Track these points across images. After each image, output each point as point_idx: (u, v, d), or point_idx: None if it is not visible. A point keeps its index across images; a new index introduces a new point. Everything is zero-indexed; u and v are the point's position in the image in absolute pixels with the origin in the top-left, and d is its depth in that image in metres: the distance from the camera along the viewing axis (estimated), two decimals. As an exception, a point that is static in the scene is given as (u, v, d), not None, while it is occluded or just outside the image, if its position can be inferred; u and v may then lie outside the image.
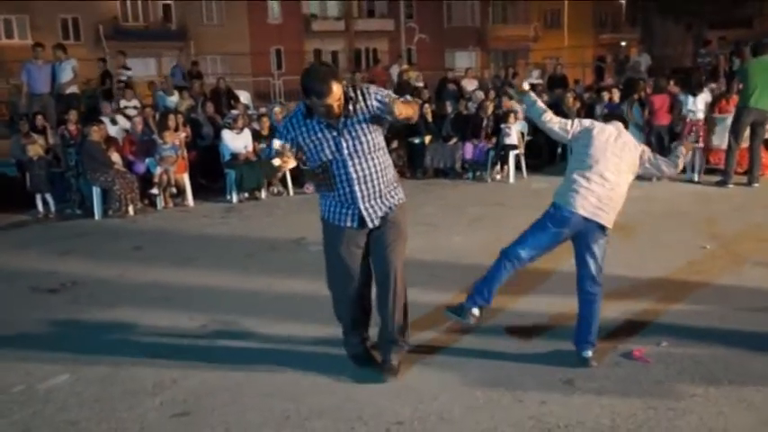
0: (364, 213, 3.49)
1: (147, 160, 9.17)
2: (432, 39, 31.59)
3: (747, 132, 8.43)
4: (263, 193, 9.42)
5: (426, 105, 11.06)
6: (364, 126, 3.42)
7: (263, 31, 33.73)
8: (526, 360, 3.73)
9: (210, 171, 10.13)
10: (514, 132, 9.90)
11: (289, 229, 7.37)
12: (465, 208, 8.14)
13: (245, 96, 13.67)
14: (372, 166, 3.46)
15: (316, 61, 3.45)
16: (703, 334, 3.99)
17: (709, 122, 9.23)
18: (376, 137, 3.47)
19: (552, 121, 3.74)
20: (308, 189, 9.62)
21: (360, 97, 3.41)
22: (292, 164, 3.36)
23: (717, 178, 8.91)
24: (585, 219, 3.51)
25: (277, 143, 3.36)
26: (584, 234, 3.56)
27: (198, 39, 32.09)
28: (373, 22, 36.17)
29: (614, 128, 3.71)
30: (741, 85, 8.57)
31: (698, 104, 9.23)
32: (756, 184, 8.31)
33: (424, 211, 8.05)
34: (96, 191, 8.60)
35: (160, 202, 9.03)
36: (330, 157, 3.42)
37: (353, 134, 3.41)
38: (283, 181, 9.60)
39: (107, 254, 6.79)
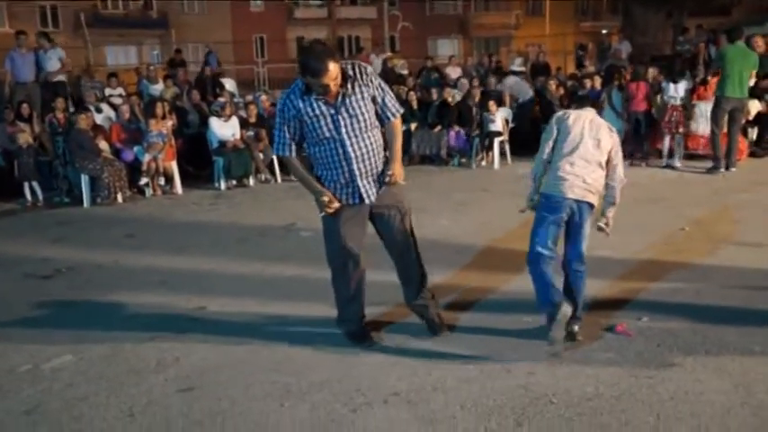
0: (362, 190, 3.58)
1: (135, 148, 9.23)
2: (414, 26, 31.65)
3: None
4: (251, 181, 9.52)
5: (411, 93, 11.19)
6: (362, 104, 3.49)
7: (245, 18, 33.56)
8: (514, 335, 3.90)
9: (197, 159, 10.19)
10: (499, 119, 10.07)
11: (278, 216, 7.50)
12: (451, 193, 8.31)
13: (230, 84, 13.69)
14: (369, 144, 3.54)
15: (314, 41, 3.47)
16: (681, 309, 4.19)
17: (689, 109, 9.46)
18: (372, 115, 3.55)
19: (542, 160, 3.86)
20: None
21: (358, 75, 3.47)
22: (336, 205, 3.54)
23: (695, 163, 9.16)
24: (576, 201, 3.70)
25: (326, 199, 3.52)
26: (576, 215, 3.72)
27: (179, 27, 31.85)
28: (356, 10, 36.09)
29: (588, 113, 3.89)
30: (718, 72, 8.78)
31: (678, 91, 9.44)
32: (733, 169, 8.55)
33: (410, 196, 8.03)
34: (85, 179, 8.65)
35: (149, 190, 9.10)
36: (328, 134, 3.49)
37: (351, 112, 3.48)
38: (271, 168, 9.71)
39: (99, 241, 6.87)
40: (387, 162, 3.65)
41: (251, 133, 9.75)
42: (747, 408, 3.00)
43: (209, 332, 4.18)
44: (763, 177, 8.24)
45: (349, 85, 3.45)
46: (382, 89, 3.56)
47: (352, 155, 3.51)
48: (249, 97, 11.80)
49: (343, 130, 3.48)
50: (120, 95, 11.71)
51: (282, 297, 4.79)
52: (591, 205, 3.75)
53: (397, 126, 3.69)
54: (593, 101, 4.13)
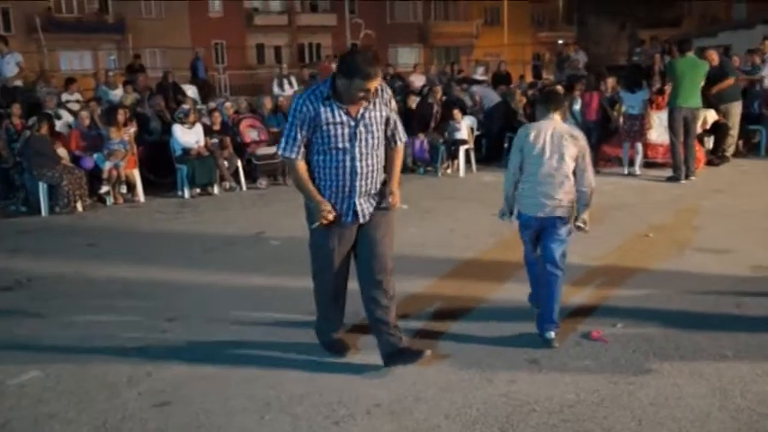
0: (358, 208, 3.48)
1: (95, 155, 9.01)
2: (375, 34, 31.71)
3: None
4: (216, 189, 9.37)
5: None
6: (379, 122, 3.42)
7: (203, 24, 33.25)
8: (493, 343, 3.91)
9: (159, 166, 10.00)
10: (464, 127, 10.14)
11: (246, 224, 7.40)
12: (418, 202, 8.30)
13: (192, 91, 13.51)
14: (375, 163, 3.46)
15: (359, 46, 3.33)
16: (653, 315, 4.26)
17: (646, 118, 9.67)
18: (383, 135, 3.47)
19: (511, 181, 3.99)
20: (261, 184, 9.64)
21: (380, 93, 3.40)
22: (332, 217, 3.43)
23: (655, 171, 9.37)
24: (545, 218, 3.87)
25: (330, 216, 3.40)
26: (547, 228, 3.89)
27: (136, 32, 31.40)
28: (316, 17, 36.12)
29: (549, 123, 3.91)
30: (671, 83, 9.00)
31: (637, 101, 9.65)
32: (693, 177, 8.76)
33: (378, 204, 8.19)
34: (43, 187, 8.40)
35: (109, 199, 8.89)
36: (341, 145, 3.37)
37: (369, 128, 3.40)
38: (236, 176, 9.59)
39: (60, 250, 6.67)
40: (384, 184, 3.56)
41: (215, 140, 9.61)
42: (726, 411, 3.06)
43: (180, 345, 4.09)
44: (720, 185, 8.46)
45: (371, 101, 3.37)
46: (396, 113, 3.51)
47: (359, 170, 3.41)
48: (212, 104, 11.64)
49: (357, 143, 3.38)
50: (77, 101, 11.43)
51: (255, 307, 4.72)
52: (561, 218, 3.86)
53: (401, 152, 3.64)
54: (557, 104, 4.07)
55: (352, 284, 3.75)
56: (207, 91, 15.17)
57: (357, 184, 3.43)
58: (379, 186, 3.53)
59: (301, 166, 3.47)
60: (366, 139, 3.39)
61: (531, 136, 3.87)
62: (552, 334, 3.83)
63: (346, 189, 3.45)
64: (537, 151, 3.85)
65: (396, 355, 3.56)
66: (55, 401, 3.40)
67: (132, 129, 9.52)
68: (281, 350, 3.92)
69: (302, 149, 3.43)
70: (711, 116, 9.78)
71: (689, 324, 4.08)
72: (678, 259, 5.45)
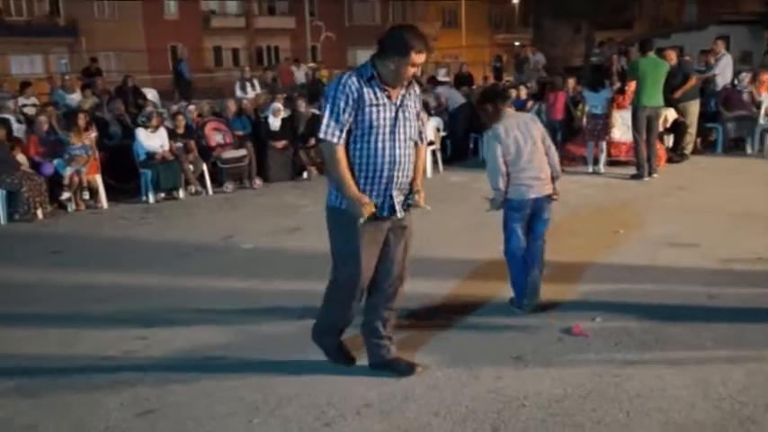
0: (395, 200, 3.29)
1: (56, 161, 8.78)
2: (335, 36, 31.70)
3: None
4: (182, 193, 9.23)
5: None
6: (413, 113, 3.31)
7: (159, 27, 32.66)
8: (477, 341, 3.94)
9: (120, 172, 9.80)
10: (430, 128, 10.18)
11: (215, 229, 7.30)
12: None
13: (152, 94, 13.30)
14: (410, 154, 3.30)
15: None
16: (631, 309, 4.33)
17: (609, 117, 9.85)
18: (416, 125, 3.35)
19: (501, 174, 4.20)
20: (227, 188, 9.52)
21: (414, 86, 3.33)
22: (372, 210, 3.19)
23: (618, 169, 9.55)
24: (537, 198, 4.23)
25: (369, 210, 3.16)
26: (537, 210, 4.29)
27: (89, 34, 30.71)
28: (274, 20, 35.88)
29: (511, 117, 4.29)
30: (633, 83, 9.19)
31: (599, 101, 9.82)
32: (655, 175, 8.96)
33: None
34: (1, 194, 8.15)
35: (71, 205, 8.67)
36: (383, 129, 3.19)
37: (407, 115, 3.26)
38: (201, 180, 9.46)
39: (23, 259, 6.50)
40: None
41: (180, 144, 9.46)
42: (709, 401, 3.13)
43: (162, 351, 4.01)
44: (682, 182, 8.67)
45: (407, 90, 3.28)
46: (423, 111, 3.45)
47: (398, 159, 3.23)
48: (175, 107, 11.46)
49: (398, 128, 3.22)
50: (33, 105, 11.14)
51: (235, 311, 4.65)
52: (548, 197, 4.27)
53: (423, 151, 3.48)
54: (505, 99, 4.49)
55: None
56: (189, 93, 14.97)
57: (395, 174, 3.24)
58: (409, 182, 3.36)
59: (343, 152, 3.19)
60: (405, 126, 3.24)
61: (502, 134, 4.18)
62: (527, 302, 4.32)
63: (384, 180, 3.23)
64: (513, 143, 4.19)
65: (383, 366, 3.54)
66: (33, 412, 3.30)
67: (93, 133, 9.31)
68: (266, 353, 3.88)
69: (344, 135, 3.18)
70: (671, 115, 10.01)
71: (666, 316, 4.17)
72: (650, 254, 5.56)
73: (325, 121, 3.17)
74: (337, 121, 3.14)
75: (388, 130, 3.19)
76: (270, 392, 3.39)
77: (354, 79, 3.16)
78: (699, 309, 4.29)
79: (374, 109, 3.16)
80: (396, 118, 3.22)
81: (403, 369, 3.49)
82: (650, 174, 8.91)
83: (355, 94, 3.14)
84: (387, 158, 3.22)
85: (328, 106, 3.18)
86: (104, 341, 4.18)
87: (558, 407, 3.15)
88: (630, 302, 4.45)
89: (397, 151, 3.23)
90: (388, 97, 3.20)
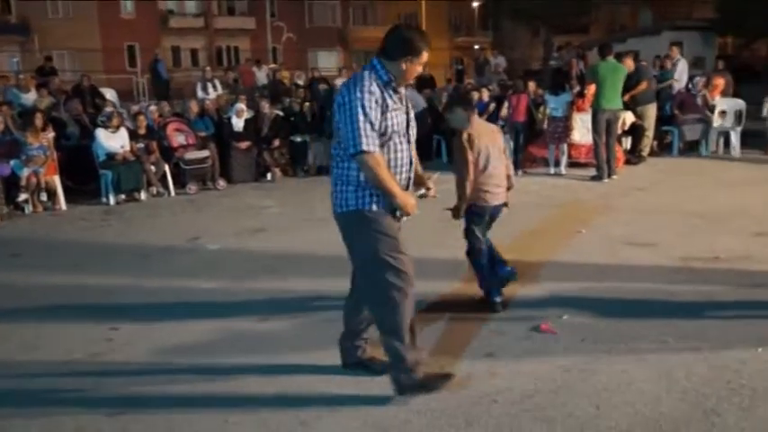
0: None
1: (12, 162, 8.57)
2: (296, 38, 31.59)
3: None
4: (143, 195, 9.09)
5: (307, 104, 11.16)
6: (410, 110, 3.28)
7: (115, 26, 32.08)
8: (448, 339, 3.98)
9: (79, 173, 9.61)
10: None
11: (179, 230, 7.22)
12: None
13: (111, 94, 13.06)
14: (411, 155, 3.26)
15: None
16: (595, 306, 4.43)
17: (569, 120, 10.05)
18: None
19: (469, 180, 4.31)
20: (190, 189, 9.42)
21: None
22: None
23: (578, 171, 9.75)
24: (496, 206, 4.40)
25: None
26: (496, 213, 4.52)
27: (42, 33, 29.97)
28: (234, 20, 35.56)
29: (481, 124, 4.49)
30: (593, 86, 9.39)
31: (559, 103, 10.02)
32: (615, 176, 9.17)
33: (313, 206, 8.18)
34: (-44, 195, 7.93)
35: (28, 207, 8.47)
36: (399, 134, 3.13)
37: (410, 115, 3.24)
38: (164, 181, 9.33)
39: (-20, 262, 6.32)
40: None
41: (141, 145, 9.32)
42: (674, 394, 3.23)
43: (128, 353, 3.96)
44: (640, 183, 8.89)
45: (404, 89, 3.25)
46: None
47: (411, 159, 3.23)
48: (135, 108, 11.28)
49: (409, 131, 3.20)
50: (-13, 104, 10.82)
51: (200, 312, 4.61)
52: (505, 204, 4.47)
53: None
54: (472, 106, 4.59)
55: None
56: (168, 93, 14.74)
57: (411, 175, 3.25)
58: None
59: (382, 158, 3.05)
60: (411, 127, 3.22)
61: (476, 140, 4.30)
62: (498, 299, 4.43)
63: (403, 183, 3.19)
64: (484, 149, 4.31)
65: (358, 366, 3.54)
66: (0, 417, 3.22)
67: (50, 134, 9.11)
68: (236, 352, 3.87)
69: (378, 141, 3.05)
70: (629, 118, 10.26)
71: (629, 313, 4.28)
72: (611, 253, 5.69)
73: (361, 132, 2.98)
74: (372, 129, 3.01)
75: (402, 132, 3.15)
76: (243, 392, 3.38)
77: (375, 84, 3.05)
78: (660, 305, 4.41)
79: (394, 114, 3.09)
80: (407, 120, 3.20)
81: (377, 369, 3.51)
82: (610, 175, 9.12)
83: (380, 100, 3.05)
84: (405, 161, 3.19)
85: (360, 115, 2.99)
86: (69, 344, 4.11)
87: (529, 402, 3.21)
88: (595, 300, 4.56)
89: (410, 153, 3.23)
90: (400, 100, 3.16)
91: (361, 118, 2.99)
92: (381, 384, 3.40)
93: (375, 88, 3.03)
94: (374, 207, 3.13)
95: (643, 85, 10.11)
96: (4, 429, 3.12)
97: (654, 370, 3.48)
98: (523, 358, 3.69)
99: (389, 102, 3.08)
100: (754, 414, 3.02)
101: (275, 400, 3.30)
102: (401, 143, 3.15)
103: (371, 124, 3.00)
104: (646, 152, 10.49)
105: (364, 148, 2.99)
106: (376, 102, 3.02)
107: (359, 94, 3.00)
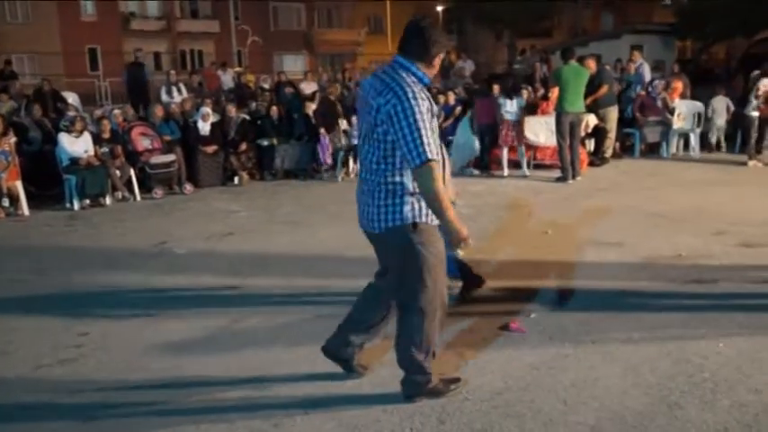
0: None
1: (-28, 167, 8.40)
2: (261, 41, 31.43)
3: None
4: (108, 200, 8.97)
5: (274, 108, 11.13)
6: None
7: (75, 28, 31.53)
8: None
9: (41, 178, 9.45)
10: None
11: (146, 235, 7.15)
12: (323, 207, 8.36)
13: (73, 98, 12.85)
14: None
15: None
16: (563, 304, 4.54)
17: (523, 123, 10.22)
18: None
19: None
20: (156, 194, 9.32)
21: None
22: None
23: (542, 173, 9.91)
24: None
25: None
26: None
27: (1, 36, 29.27)
28: (197, 23, 35.24)
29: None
30: (556, 89, 9.55)
31: (513, 107, 10.18)
32: (579, 177, 9.34)
33: (283, 210, 8.18)
34: None
35: (-10, 213, 8.31)
36: (438, 139, 2.96)
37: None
38: (129, 186, 9.23)
39: (-59, 269, 6.18)
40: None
41: (106, 149, 9.20)
42: (639, 388, 3.32)
43: (99, 359, 3.93)
44: (603, 184, 9.08)
45: None
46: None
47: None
48: (99, 112, 11.13)
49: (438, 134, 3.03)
50: (-55, 109, 10.58)
51: (172, 313, 4.61)
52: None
53: None
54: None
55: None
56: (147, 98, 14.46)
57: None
58: None
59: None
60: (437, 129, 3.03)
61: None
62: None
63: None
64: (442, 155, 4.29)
65: (335, 359, 3.51)
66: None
67: (12, 138, 8.94)
68: (205, 356, 3.87)
69: None
70: (592, 120, 10.45)
71: (596, 311, 4.38)
72: (577, 253, 5.80)
73: (425, 140, 2.79)
74: (429, 135, 2.84)
75: (437, 136, 2.99)
76: (215, 397, 3.38)
77: (419, 89, 2.88)
78: (626, 303, 4.52)
79: (435, 119, 2.95)
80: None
81: (349, 369, 3.53)
82: (574, 176, 9.28)
83: (428, 104, 2.90)
84: (444, 167, 3.14)
85: (420, 122, 2.80)
86: (38, 351, 4.05)
87: (499, 399, 3.27)
88: (562, 298, 4.65)
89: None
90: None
91: (422, 125, 2.81)
92: (353, 386, 3.44)
93: (423, 94, 2.88)
94: (430, 220, 3.00)
95: (604, 89, 10.30)
96: (-27, 438, 3.08)
97: (620, 366, 3.57)
98: (493, 356, 3.75)
99: (432, 106, 2.93)
100: (716, 407, 3.12)
101: (247, 403, 3.31)
102: (439, 154, 2.94)
103: (428, 132, 2.84)
104: (608, 154, 10.71)
105: (430, 156, 2.80)
106: (427, 108, 2.87)
107: (413, 101, 2.81)
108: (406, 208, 2.96)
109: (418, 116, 2.82)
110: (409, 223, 2.97)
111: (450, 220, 2.89)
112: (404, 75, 2.91)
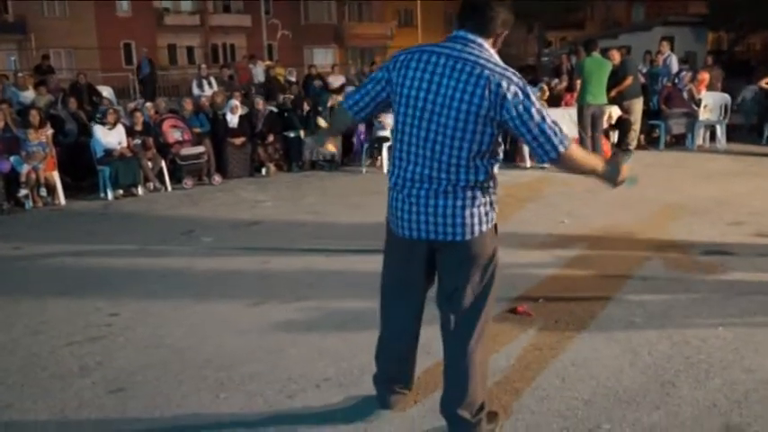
0: None
1: (12, 158, 8.78)
2: (291, 35, 31.74)
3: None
4: (140, 190, 9.30)
5: (302, 101, 11.36)
6: None
7: (111, 24, 32.27)
8: (430, 320, 4.19)
9: (75, 169, 9.84)
10: (387, 125, 10.46)
11: (175, 223, 7.42)
12: (346, 197, 8.56)
13: (108, 92, 13.25)
14: None
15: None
16: (571, 289, 4.67)
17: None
18: None
19: None
20: (186, 184, 9.62)
21: None
22: None
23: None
24: None
25: None
26: None
27: (39, 31, 30.15)
28: (230, 18, 35.71)
29: None
30: (580, 81, 9.62)
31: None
32: (600, 168, 9.37)
33: (307, 201, 8.41)
34: (-43, 191, 8.14)
35: (29, 202, 8.68)
36: None
37: None
38: (160, 177, 9.54)
39: (-17, 254, 6.53)
40: None
41: (138, 141, 9.53)
42: (636, 368, 3.46)
43: (127, 336, 4.18)
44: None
45: None
46: None
47: None
48: (132, 105, 11.49)
49: None
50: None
51: (196, 296, 4.84)
52: None
53: None
54: None
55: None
56: (153, 90, 14.94)
57: None
58: None
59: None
60: None
61: None
62: None
63: None
64: None
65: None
66: (7, 394, 3.44)
67: (49, 130, 9.32)
68: (227, 335, 4.09)
69: None
70: (616, 112, 10.48)
71: (603, 297, 4.51)
72: (591, 242, 5.91)
73: (558, 128, 2.53)
74: None
75: None
76: (233, 371, 3.60)
77: None
78: (632, 289, 4.64)
79: None
80: None
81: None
82: None
83: None
84: None
85: (546, 114, 2.52)
86: (70, 328, 4.32)
87: (501, 376, 3.43)
88: (571, 284, 4.80)
89: None
90: None
91: (547, 113, 2.53)
92: (363, 362, 3.62)
93: None
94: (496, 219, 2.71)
95: (628, 81, 10.32)
96: (11, 404, 3.34)
97: (620, 347, 3.71)
98: (499, 338, 3.90)
99: None
100: (708, 385, 3.25)
101: (263, 377, 3.52)
102: None
103: None
104: (633, 146, 10.71)
105: (567, 142, 2.54)
106: None
107: (528, 90, 2.52)
108: (493, 210, 2.69)
109: (539, 102, 2.53)
110: (492, 227, 2.70)
111: (600, 168, 2.72)
112: (498, 59, 2.57)
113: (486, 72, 2.48)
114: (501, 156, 2.70)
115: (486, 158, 2.59)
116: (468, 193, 2.59)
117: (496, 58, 2.57)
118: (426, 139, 2.57)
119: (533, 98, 2.50)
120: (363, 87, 2.80)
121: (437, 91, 2.53)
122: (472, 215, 2.60)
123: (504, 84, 2.47)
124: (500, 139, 2.63)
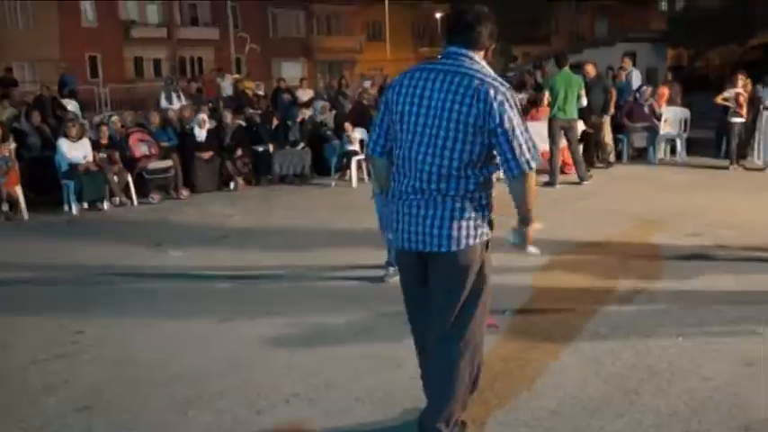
0: None
1: (-27, 173, 8.62)
2: (259, 48, 31.71)
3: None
4: (106, 204, 9.19)
5: (269, 114, 11.36)
6: None
7: (76, 35, 31.78)
8: (396, 332, 4.20)
9: (39, 183, 9.69)
10: (355, 139, 10.51)
11: (142, 238, 7.35)
12: (315, 211, 8.56)
13: (72, 105, 13.08)
14: None
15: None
16: (537, 302, 4.76)
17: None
18: None
19: None
20: (153, 199, 9.53)
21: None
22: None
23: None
24: None
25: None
26: None
27: (2, 43, 29.57)
28: (197, 31, 35.57)
29: None
30: (546, 95, 9.79)
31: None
32: (587, 181, 9.54)
33: (276, 215, 8.41)
34: None
35: (-10, 217, 8.53)
36: None
37: None
38: (126, 191, 9.44)
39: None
40: None
41: (104, 155, 9.43)
42: (600, 377, 3.54)
43: (93, 354, 4.14)
44: (590, 188, 9.30)
45: None
46: None
47: None
48: (97, 118, 11.36)
49: None
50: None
51: (164, 312, 4.81)
52: None
53: None
54: None
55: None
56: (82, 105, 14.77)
57: None
58: None
59: None
60: None
61: None
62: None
63: None
64: None
65: None
66: (-31, 414, 3.38)
67: (13, 144, 9.18)
68: (196, 352, 4.07)
69: None
70: (580, 126, 10.65)
71: (568, 308, 4.59)
72: (559, 252, 5.99)
73: (532, 144, 2.56)
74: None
75: None
76: (201, 388, 3.58)
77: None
78: (598, 300, 4.73)
79: None
80: None
81: None
82: (582, 180, 9.49)
83: None
84: None
85: (524, 126, 2.56)
86: (34, 346, 4.26)
87: (469, 388, 3.47)
88: (537, 296, 4.88)
89: None
90: None
91: (526, 130, 2.57)
92: (330, 377, 3.65)
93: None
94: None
95: (612, 94, 10.64)
96: (-26, 423, 3.29)
97: (585, 358, 3.78)
98: (466, 350, 3.96)
99: None
100: (670, 392, 3.34)
101: (232, 394, 3.51)
102: None
103: None
104: (611, 158, 11.00)
105: (534, 165, 2.58)
106: None
107: (516, 108, 2.55)
108: (486, 224, 2.71)
109: (520, 118, 2.55)
110: (485, 241, 2.72)
111: (531, 221, 2.76)
112: (488, 71, 2.62)
113: (475, 82, 2.54)
114: (495, 166, 2.67)
115: (479, 168, 2.61)
116: (458, 204, 2.61)
117: (488, 69, 2.64)
118: (418, 151, 2.63)
119: (518, 109, 2.56)
120: (375, 124, 2.84)
121: (428, 104, 2.60)
122: (460, 228, 2.62)
123: (492, 92, 2.52)
124: (494, 152, 2.62)
